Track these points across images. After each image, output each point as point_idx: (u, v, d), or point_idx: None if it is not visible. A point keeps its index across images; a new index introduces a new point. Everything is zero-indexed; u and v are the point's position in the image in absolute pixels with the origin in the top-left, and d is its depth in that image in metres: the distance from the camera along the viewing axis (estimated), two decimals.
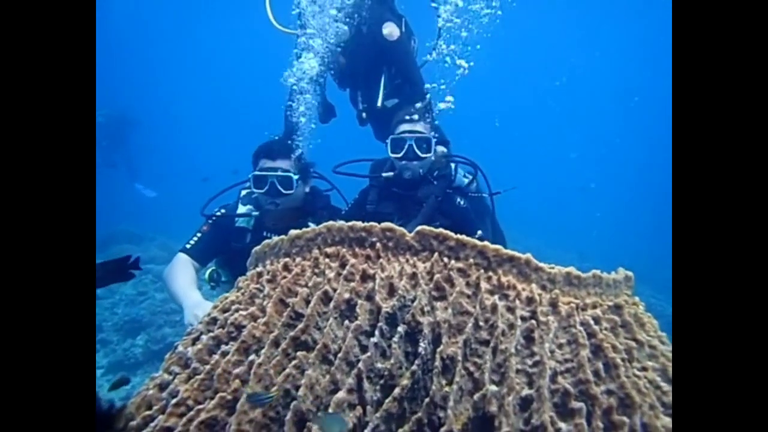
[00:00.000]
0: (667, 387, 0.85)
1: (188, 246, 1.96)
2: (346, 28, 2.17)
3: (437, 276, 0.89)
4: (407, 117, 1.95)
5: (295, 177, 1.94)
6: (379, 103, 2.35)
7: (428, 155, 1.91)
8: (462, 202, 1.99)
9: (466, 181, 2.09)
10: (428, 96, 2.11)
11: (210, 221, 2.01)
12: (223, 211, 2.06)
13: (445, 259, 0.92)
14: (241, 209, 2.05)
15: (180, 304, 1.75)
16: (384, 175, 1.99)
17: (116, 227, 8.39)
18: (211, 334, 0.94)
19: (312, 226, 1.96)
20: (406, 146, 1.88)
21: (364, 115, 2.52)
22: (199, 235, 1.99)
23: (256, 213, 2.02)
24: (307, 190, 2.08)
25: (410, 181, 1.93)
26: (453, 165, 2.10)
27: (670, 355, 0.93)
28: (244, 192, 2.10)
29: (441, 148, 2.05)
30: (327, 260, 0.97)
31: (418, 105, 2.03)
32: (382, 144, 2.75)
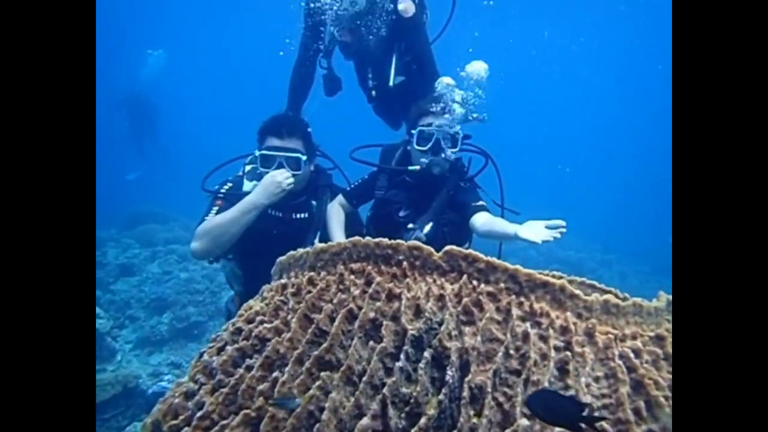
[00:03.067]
0: None
1: (207, 218, 1.81)
2: None
3: (466, 300, 0.84)
4: (432, 108, 1.81)
5: (304, 158, 1.84)
6: (390, 82, 2.22)
7: (455, 150, 1.80)
8: (465, 184, 1.89)
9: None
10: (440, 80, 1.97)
11: (220, 196, 1.87)
12: (230, 185, 1.93)
13: (474, 282, 0.86)
14: (247, 185, 1.91)
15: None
16: (410, 168, 1.86)
17: (142, 207, 8.59)
18: (236, 345, 0.92)
19: (313, 203, 1.92)
20: (434, 140, 1.77)
21: (373, 92, 2.38)
22: (216, 208, 1.84)
23: None
24: (312, 168, 1.98)
25: (438, 177, 1.82)
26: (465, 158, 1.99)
27: None
28: (248, 167, 1.97)
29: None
30: (352, 277, 0.93)
31: (449, 90, 1.84)
32: (381, 120, 2.65)
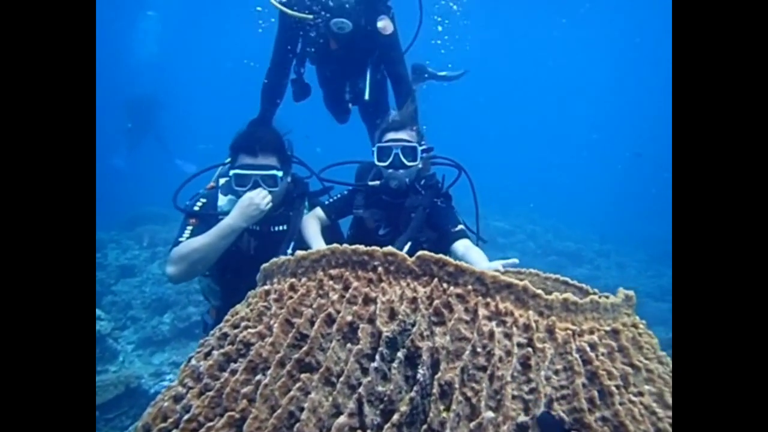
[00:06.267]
0: (662, 413, 0.82)
1: (181, 240, 1.71)
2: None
3: (436, 302, 0.87)
4: (393, 125, 1.86)
5: (280, 174, 1.73)
6: (366, 96, 2.24)
7: (414, 163, 1.83)
8: (441, 203, 1.91)
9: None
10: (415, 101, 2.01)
11: (194, 214, 1.75)
12: (203, 201, 1.80)
13: (445, 285, 0.89)
14: (222, 200, 1.81)
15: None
16: (370, 183, 1.91)
17: (143, 208, 8.48)
18: (222, 350, 0.94)
19: (291, 215, 1.86)
20: (393, 155, 1.79)
21: (350, 105, 2.42)
22: (190, 228, 1.73)
23: None
24: (289, 180, 1.88)
25: (397, 190, 1.85)
26: (436, 174, 2.02)
27: (667, 377, 0.90)
28: (222, 180, 1.86)
29: (426, 155, 1.95)
30: (331, 282, 0.95)
31: (406, 110, 1.93)
32: (358, 125, 2.67)
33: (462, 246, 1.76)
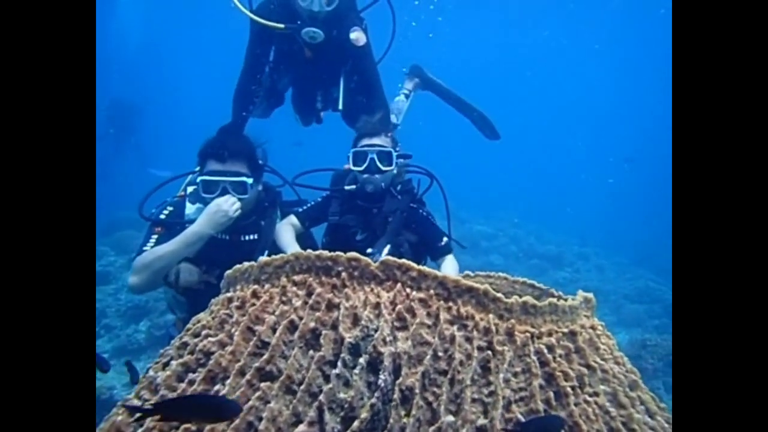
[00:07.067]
0: (615, 412, 0.84)
1: (146, 249, 1.63)
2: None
3: (399, 306, 0.86)
4: (367, 130, 1.87)
5: (250, 181, 1.66)
6: (340, 106, 2.25)
7: (390, 168, 1.84)
8: (425, 213, 1.94)
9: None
10: (396, 104, 2.02)
11: (160, 222, 1.68)
12: (170, 209, 1.73)
13: (408, 290, 0.89)
14: (190, 208, 1.74)
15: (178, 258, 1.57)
16: (347, 188, 1.90)
17: (119, 213, 8.20)
18: (181, 360, 0.90)
19: (262, 224, 1.81)
20: (368, 159, 1.80)
21: (321, 114, 2.41)
22: (155, 236, 1.66)
23: None
24: (260, 188, 1.82)
25: (373, 194, 1.86)
26: (411, 178, 2.04)
27: (622, 377, 0.92)
28: (190, 188, 1.79)
29: (402, 161, 1.98)
30: (294, 288, 0.93)
31: (378, 117, 1.95)
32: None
33: (449, 260, 1.86)
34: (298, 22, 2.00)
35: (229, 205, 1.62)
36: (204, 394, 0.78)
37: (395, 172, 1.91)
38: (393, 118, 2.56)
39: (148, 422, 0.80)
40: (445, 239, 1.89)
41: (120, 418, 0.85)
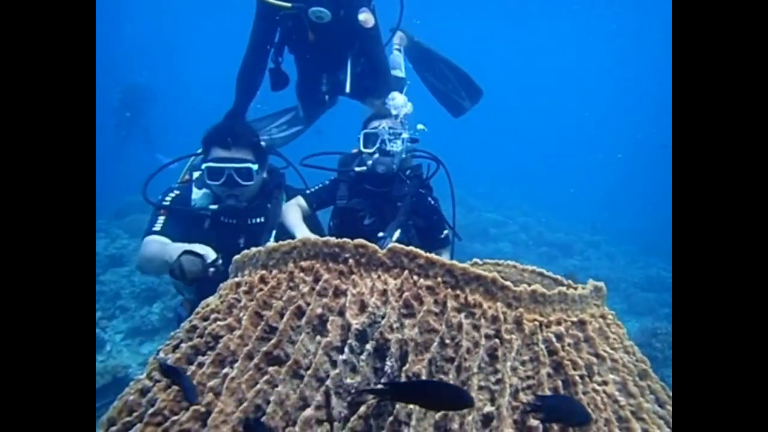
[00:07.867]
0: (624, 401, 0.83)
1: (156, 229, 1.65)
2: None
3: (406, 294, 0.85)
4: (378, 114, 1.86)
5: (255, 167, 1.68)
6: (347, 89, 2.20)
7: (400, 149, 1.81)
8: (432, 201, 1.91)
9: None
10: (405, 87, 1.97)
11: (164, 206, 1.69)
12: (176, 193, 1.75)
13: (415, 277, 0.87)
14: (197, 193, 1.75)
15: (169, 257, 1.50)
16: (357, 169, 1.86)
17: (130, 198, 8.32)
18: (190, 342, 0.91)
19: (268, 206, 1.82)
20: (379, 141, 1.78)
21: (327, 97, 2.35)
22: (162, 218, 1.67)
23: (214, 207, 1.73)
24: (265, 175, 1.83)
25: (383, 176, 1.82)
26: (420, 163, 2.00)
27: (632, 366, 0.91)
28: (196, 174, 1.80)
29: (411, 145, 1.93)
30: (302, 274, 0.92)
31: (392, 100, 1.89)
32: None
33: (443, 255, 1.82)
34: (305, 1, 1.94)
35: (207, 270, 1.46)
36: (441, 381, 0.76)
37: (404, 155, 1.88)
38: (398, 73, 2.50)
39: (159, 402, 0.81)
40: (445, 232, 1.87)
41: (132, 397, 0.87)
